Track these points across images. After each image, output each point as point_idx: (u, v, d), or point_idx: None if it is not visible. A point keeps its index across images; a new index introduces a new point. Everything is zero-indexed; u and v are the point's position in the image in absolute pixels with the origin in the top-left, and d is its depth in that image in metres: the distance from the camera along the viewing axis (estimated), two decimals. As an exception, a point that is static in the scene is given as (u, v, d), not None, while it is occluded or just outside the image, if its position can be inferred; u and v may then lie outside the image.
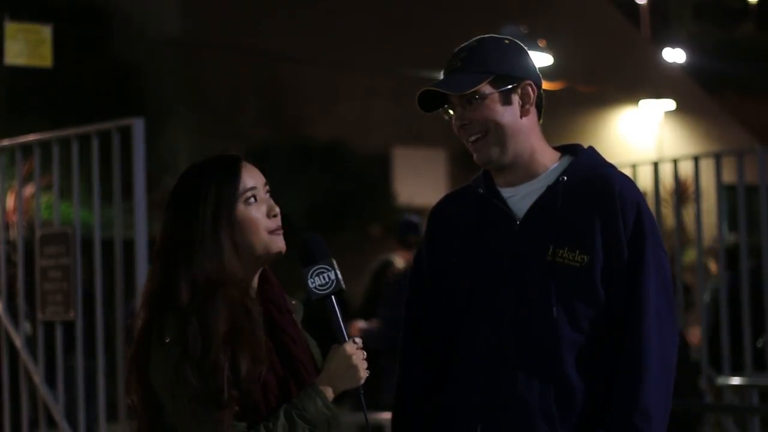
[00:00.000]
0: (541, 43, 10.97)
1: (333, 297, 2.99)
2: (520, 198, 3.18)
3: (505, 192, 3.20)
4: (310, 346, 3.07)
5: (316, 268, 2.99)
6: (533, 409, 3.08)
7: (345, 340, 2.96)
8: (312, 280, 2.99)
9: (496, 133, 3.15)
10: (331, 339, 3.01)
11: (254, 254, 2.94)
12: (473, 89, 3.14)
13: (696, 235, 7.46)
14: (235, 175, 2.93)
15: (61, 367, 6.12)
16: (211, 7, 18.65)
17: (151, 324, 2.89)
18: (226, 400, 2.80)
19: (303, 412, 2.88)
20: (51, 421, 6.30)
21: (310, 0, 19.21)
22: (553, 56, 11.21)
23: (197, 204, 2.90)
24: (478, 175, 3.30)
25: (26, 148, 6.49)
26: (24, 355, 6.40)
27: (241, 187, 2.92)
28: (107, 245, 6.02)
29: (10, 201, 6.92)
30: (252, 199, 2.94)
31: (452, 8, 19.40)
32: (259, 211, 2.94)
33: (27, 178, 6.92)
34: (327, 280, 2.99)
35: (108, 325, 6.04)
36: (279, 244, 2.96)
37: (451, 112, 3.20)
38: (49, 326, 6.24)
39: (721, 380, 7.36)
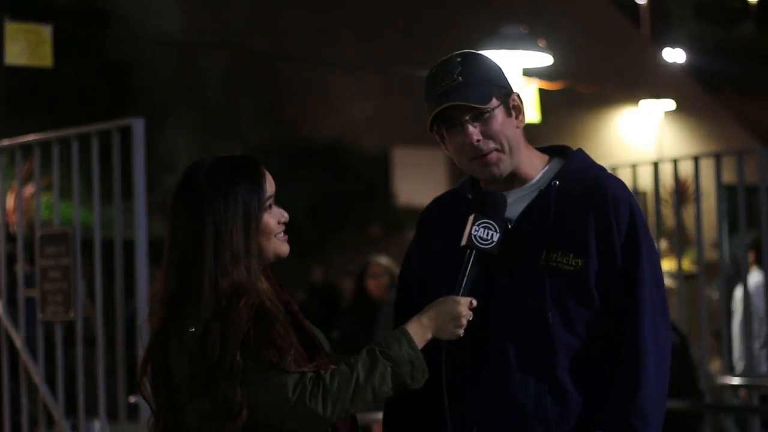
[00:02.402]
0: (541, 43, 10.93)
1: (475, 253, 3.05)
2: (512, 202, 3.17)
3: None
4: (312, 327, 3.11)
5: (486, 221, 3.06)
6: (529, 412, 3.08)
7: (462, 295, 3.02)
8: (476, 228, 3.05)
9: (508, 145, 3.16)
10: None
11: (265, 259, 3.01)
12: (492, 100, 3.13)
13: (696, 235, 7.46)
14: (261, 183, 2.98)
15: (62, 367, 6.12)
16: (211, 7, 18.64)
17: (170, 322, 2.91)
18: (237, 408, 2.81)
19: (386, 350, 2.90)
20: (51, 421, 6.30)
21: (309, 0, 19.21)
22: (553, 56, 11.17)
23: (227, 211, 2.92)
24: (465, 180, 3.30)
25: (26, 148, 6.50)
26: (24, 355, 6.40)
27: (265, 194, 2.98)
28: (107, 245, 6.02)
29: (10, 201, 6.91)
30: (269, 207, 3.00)
31: (452, 8, 19.39)
32: (274, 218, 3.01)
33: (27, 178, 6.91)
34: (489, 237, 3.06)
35: (108, 325, 6.04)
36: (285, 248, 3.05)
37: (442, 134, 3.17)
38: (49, 326, 6.24)
39: (721, 380, 7.36)
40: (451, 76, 3.13)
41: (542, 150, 3.29)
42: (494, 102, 3.14)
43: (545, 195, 3.16)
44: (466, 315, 3.01)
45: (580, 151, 3.28)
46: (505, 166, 3.16)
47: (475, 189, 3.24)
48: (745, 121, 23.09)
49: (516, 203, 3.18)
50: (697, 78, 23.77)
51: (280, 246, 3.03)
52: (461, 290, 3.03)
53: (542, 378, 3.09)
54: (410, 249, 3.35)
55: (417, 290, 3.26)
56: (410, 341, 2.92)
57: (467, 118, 3.12)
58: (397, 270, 8.78)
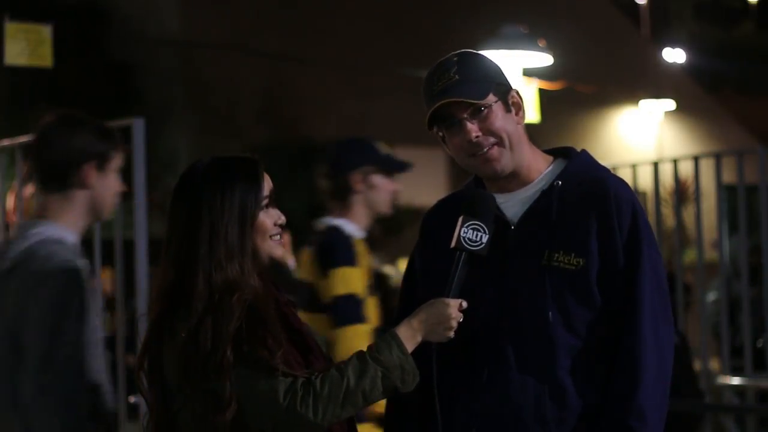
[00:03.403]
0: (541, 43, 10.95)
1: (464, 254, 3.05)
2: (514, 203, 3.17)
3: (499, 198, 3.19)
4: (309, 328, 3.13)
5: (475, 222, 3.06)
6: (528, 413, 3.07)
7: (451, 297, 3.02)
8: (465, 230, 3.05)
9: (509, 141, 3.15)
10: None
11: (259, 260, 3.02)
12: (489, 96, 3.12)
13: (696, 235, 7.46)
14: (259, 182, 3.01)
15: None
16: (211, 7, 18.65)
17: (164, 318, 2.93)
18: (226, 401, 2.82)
19: (376, 354, 2.90)
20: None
21: (310, 0, 19.21)
22: (553, 56, 11.18)
23: (223, 206, 2.95)
24: (469, 182, 3.30)
25: (26, 148, 6.49)
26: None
27: (262, 193, 3.00)
28: (107, 245, 6.02)
29: (10, 201, 6.91)
30: (266, 207, 3.02)
31: (452, 8, 19.40)
32: (270, 218, 3.03)
33: (27, 178, 6.90)
34: (478, 239, 3.05)
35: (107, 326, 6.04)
36: (279, 250, 3.06)
37: (442, 134, 3.18)
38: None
39: (721, 380, 7.37)
40: (447, 75, 3.13)
41: (547, 152, 3.29)
42: (491, 98, 3.13)
43: (548, 195, 3.15)
44: (456, 317, 3.00)
45: (584, 152, 3.27)
46: (507, 162, 3.15)
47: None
48: (745, 121, 23.11)
49: (518, 204, 3.18)
50: (697, 78, 23.80)
51: (274, 248, 3.04)
52: (451, 292, 3.03)
53: (542, 378, 3.08)
54: (413, 253, 3.35)
55: (419, 293, 3.25)
56: (400, 345, 2.92)
57: (465, 115, 3.12)
58: (378, 267, 8.82)
